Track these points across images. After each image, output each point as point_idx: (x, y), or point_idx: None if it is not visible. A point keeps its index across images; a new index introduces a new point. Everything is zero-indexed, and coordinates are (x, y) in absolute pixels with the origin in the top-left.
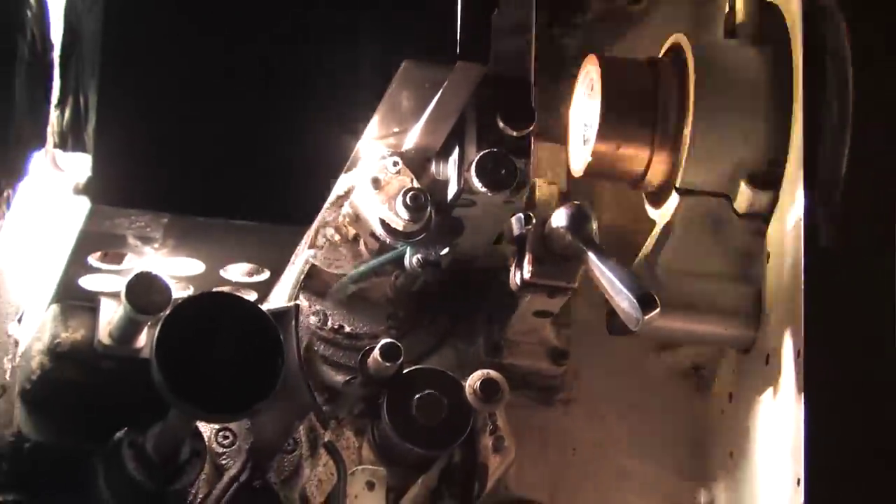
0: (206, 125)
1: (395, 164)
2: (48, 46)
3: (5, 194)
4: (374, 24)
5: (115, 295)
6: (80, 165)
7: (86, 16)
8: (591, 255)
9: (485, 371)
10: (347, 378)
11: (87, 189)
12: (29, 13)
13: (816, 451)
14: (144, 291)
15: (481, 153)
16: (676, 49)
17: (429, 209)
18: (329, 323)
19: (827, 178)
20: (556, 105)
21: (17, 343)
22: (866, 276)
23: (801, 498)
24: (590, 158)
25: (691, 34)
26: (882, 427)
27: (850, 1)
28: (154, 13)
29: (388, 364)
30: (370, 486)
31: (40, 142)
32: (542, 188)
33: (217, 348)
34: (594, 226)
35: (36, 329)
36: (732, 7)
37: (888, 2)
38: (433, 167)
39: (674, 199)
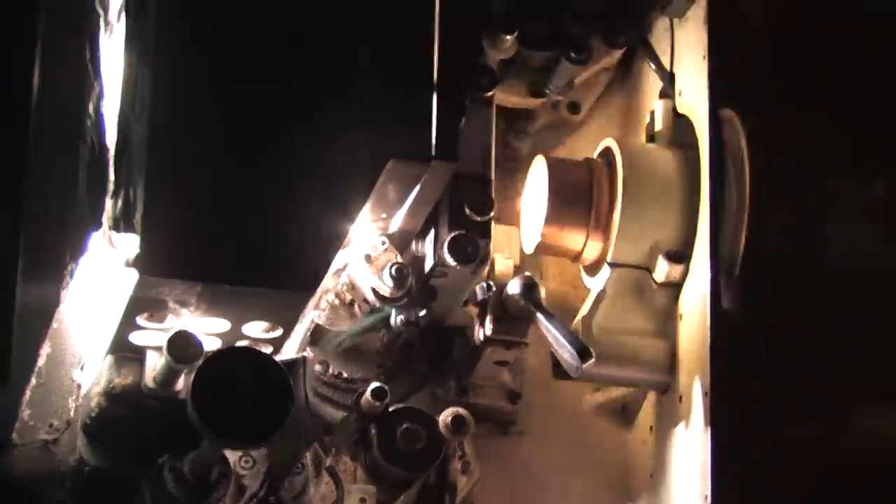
0: (233, 214)
1: (384, 243)
2: (104, 149)
3: (69, 267)
4: (366, 130)
5: (158, 348)
6: (130, 244)
7: (135, 124)
8: (540, 316)
9: (454, 409)
10: (345, 414)
11: (136, 263)
12: (89, 122)
13: (721, 473)
14: (182, 346)
15: (452, 235)
16: (608, 151)
17: (410, 279)
18: (330, 370)
19: (728, 254)
20: (511, 196)
21: (79, 386)
22: (760, 332)
23: None
24: (538, 239)
25: (620, 139)
26: (774, 453)
27: (750, 111)
28: (191, 125)
29: (377, 403)
30: (363, 501)
31: (98, 225)
32: (500, 262)
33: (240, 391)
34: (541, 293)
35: (95, 375)
36: (652, 118)
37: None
38: (414, 246)
39: (605, 271)
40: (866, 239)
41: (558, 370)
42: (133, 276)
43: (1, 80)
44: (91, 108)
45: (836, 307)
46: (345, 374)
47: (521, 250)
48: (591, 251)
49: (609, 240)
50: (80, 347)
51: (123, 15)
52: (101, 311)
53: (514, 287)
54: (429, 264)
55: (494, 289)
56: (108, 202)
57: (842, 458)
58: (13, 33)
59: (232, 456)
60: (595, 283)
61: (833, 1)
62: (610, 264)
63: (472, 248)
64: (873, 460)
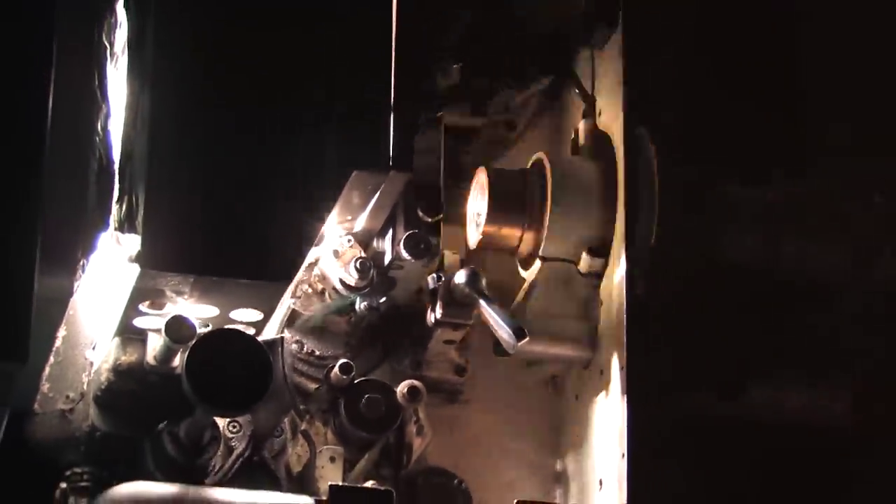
0: (221, 215)
1: (349, 240)
2: (111, 161)
3: (81, 262)
4: (334, 145)
5: (157, 331)
6: (133, 243)
7: (136, 140)
8: (482, 302)
9: (410, 381)
10: (317, 386)
11: (138, 258)
12: (97, 139)
13: (635, 434)
14: (178, 328)
15: (407, 233)
16: (539, 163)
17: (372, 272)
18: (305, 348)
19: (640, 250)
20: (458, 201)
21: (91, 364)
22: (668, 316)
23: (626, 466)
24: (480, 237)
25: (549, 153)
26: (680, 418)
27: (659, 129)
28: (184, 141)
29: (344, 377)
30: (332, 459)
31: (106, 226)
32: (448, 257)
33: (227, 366)
34: (484, 282)
35: (104, 354)
36: (576, 135)
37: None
38: (375, 243)
39: (538, 264)
40: (756, 239)
41: (498, 348)
42: (135, 269)
43: (21, 103)
44: (99, 126)
45: (734, 296)
46: (317, 352)
47: (467, 246)
48: (526, 247)
49: (540, 237)
50: (91, 330)
51: (126, 48)
52: (109, 299)
53: (460, 277)
54: (387, 258)
55: (443, 279)
56: (115, 207)
57: (738, 422)
58: (32, 63)
59: (221, 422)
60: (529, 274)
61: (727, 36)
62: (541, 258)
63: (424, 244)
64: (765, 424)
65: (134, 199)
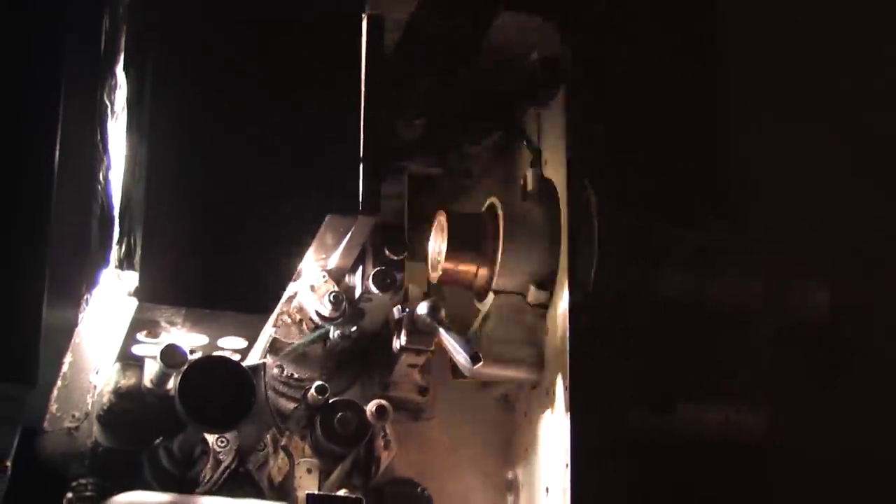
0: (210, 254)
1: (324, 276)
2: (111, 206)
3: (85, 296)
4: (308, 192)
5: (154, 357)
6: (131, 279)
7: (134, 188)
8: (441, 330)
9: (378, 400)
10: (295, 406)
11: (136, 293)
12: (99, 187)
13: (577, 447)
14: (171, 355)
15: (375, 270)
16: (493, 206)
17: (344, 304)
18: (285, 372)
19: (581, 284)
20: (421, 241)
21: (94, 387)
22: (606, 342)
23: (569, 475)
24: (440, 273)
25: (502, 197)
26: (618, 433)
27: (597, 176)
28: (177, 188)
29: (320, 397)
30: (309, 471)
31: (107, 264)
32: (412, 290)
33: (215, 388)
34: (443, 313)
35: (106, 378)
36: (525, 181)
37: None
38: (347, 278)
39: (491, 296)
40: (686, 276)
41: (456, 372)
42: (133, 302)
43: (31, 155)
44: (101, 176)
45: (665, 326)
46: (296, 375)
47: (428, 281)
48: (480, 281)
49: (493, 273)
50: (94, 357)
51: (126, 106)
52: (110, 329)
53: (422, 309)
54: (358, 292)
55: (407, 310)
56: (115, 247)
57: (669, 436)
58: (41, 121)
59: (210, 438)
60: (483, 306)
61: (659, 92)
62: (494, 291)
63: (390, 279)
64: (692, 440)
65: (132, 240)
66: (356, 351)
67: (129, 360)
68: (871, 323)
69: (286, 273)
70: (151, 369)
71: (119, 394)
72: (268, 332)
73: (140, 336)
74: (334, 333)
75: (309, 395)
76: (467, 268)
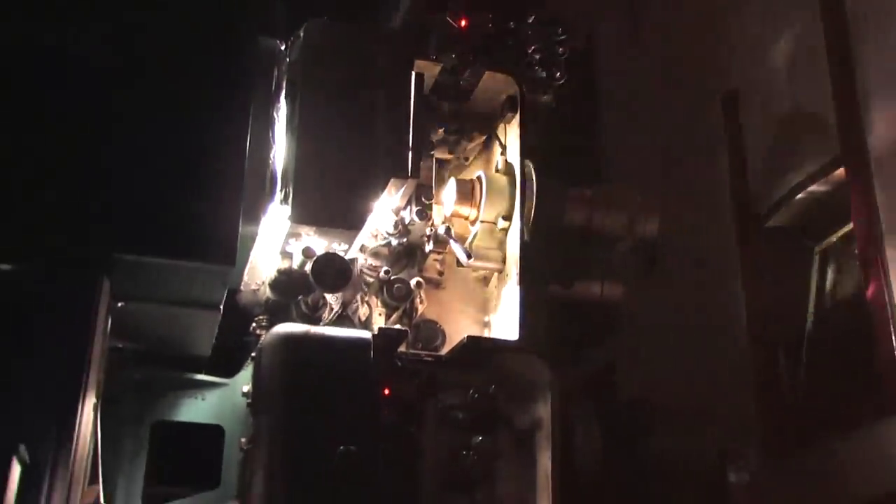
0: (325, 200)
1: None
2: (275, 172)
3: (261, 218)
4: (380, 163)
5: (299, 252)
6: (286, 210)
7: (289, 160)
8: (451, 241)
9: (417, 277)
10: (372, 279)
11: (290, 217)
12: (270, 159)
13: (523, 305)
14: (308, 251)
15: (417, 208)
16: (479, 178)
17: (400, 226)
18: (367, 262)
19: (525, 216)
20: (440, 194)
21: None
22: (538, 248)
23: (518, 311)
24: (451, 211)
25: (484, 172)
26: (546, 292)
27: (535, 162)
28: (313, 161)
29: (386, 276)
30: (380, 315)
31: (272, 201)
32: (435, 219)
33: (330, 268)
34: (452, 231)
35: (272, 263)
36: (497, 163)
37: None
38: (402, 213)
39: (479, 224)
40: (583, 212)
41: (458, 263)
42: (288, 223)
43: (231, 145)
44: (272, 154)
45: (568, 242)
46: (373, 263)
47: (444, 216)
48: (472, 216)
49: (480, 211)
50: (267, 251)
51: (286, 118)
52: (275, 236)
53: (441, 230)
54: (407, 219)
55: (433, 229)
56: (279, 192)
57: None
58: (236, 124)
59: (329, 296)
60: (474, 229)
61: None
62: (480, 222)
63: (424, 214)
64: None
65: (287, 189)
66: (405, 252)
67: (285, 253)
68: (676, 237)
69: (367, 208)
70: (297, 258)
71: (280, 271)
72: (359, 241)
73: (290, 241)
74: (395, 242)
75: (380, 274)
76: (466, 209)
